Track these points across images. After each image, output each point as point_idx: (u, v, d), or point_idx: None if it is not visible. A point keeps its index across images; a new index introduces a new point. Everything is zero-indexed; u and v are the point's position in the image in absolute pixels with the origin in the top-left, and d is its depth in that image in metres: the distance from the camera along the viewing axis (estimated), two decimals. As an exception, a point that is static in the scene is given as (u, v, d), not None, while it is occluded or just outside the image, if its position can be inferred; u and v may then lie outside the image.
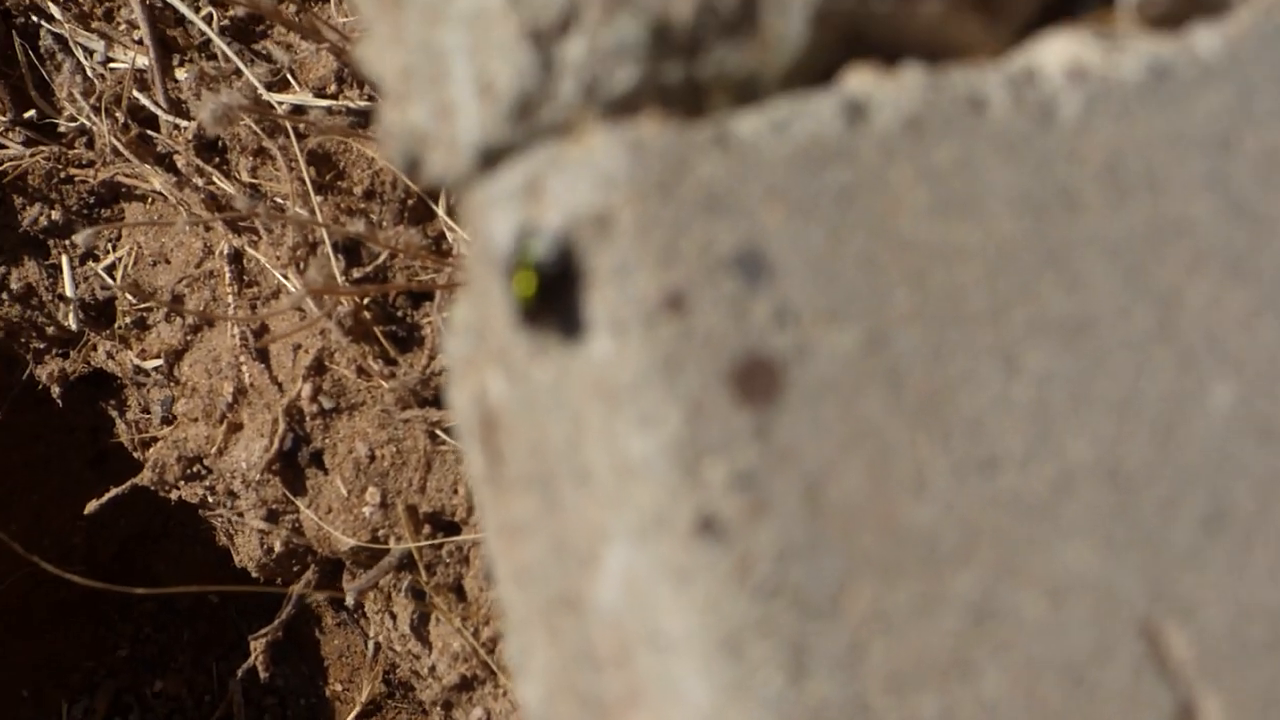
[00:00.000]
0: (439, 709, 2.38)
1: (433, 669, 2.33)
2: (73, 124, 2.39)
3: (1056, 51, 1.18)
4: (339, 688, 2.58)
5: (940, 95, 1.16)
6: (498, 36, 1.16)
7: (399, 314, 2.29)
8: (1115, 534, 1.11)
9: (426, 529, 2.25)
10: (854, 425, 1.11)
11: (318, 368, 2.28)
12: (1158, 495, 1.11)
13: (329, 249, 2.27)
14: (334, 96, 2.32)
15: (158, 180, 2.35)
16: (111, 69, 2.39)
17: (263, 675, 2.40)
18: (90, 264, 2.43)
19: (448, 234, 2.26)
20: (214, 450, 2.33)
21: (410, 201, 2.29)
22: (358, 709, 2.54)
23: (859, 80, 1.17)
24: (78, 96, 2.38)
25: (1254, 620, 1.10)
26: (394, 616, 2.30)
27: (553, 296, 1.13)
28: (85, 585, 2.43)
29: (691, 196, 1.13)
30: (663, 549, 1.10)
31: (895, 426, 1.11)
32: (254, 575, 2.38)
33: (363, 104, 2.30)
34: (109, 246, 2.43)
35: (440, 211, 2.26)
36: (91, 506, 2.35)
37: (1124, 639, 1.10)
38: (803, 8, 1.17)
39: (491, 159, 1.17)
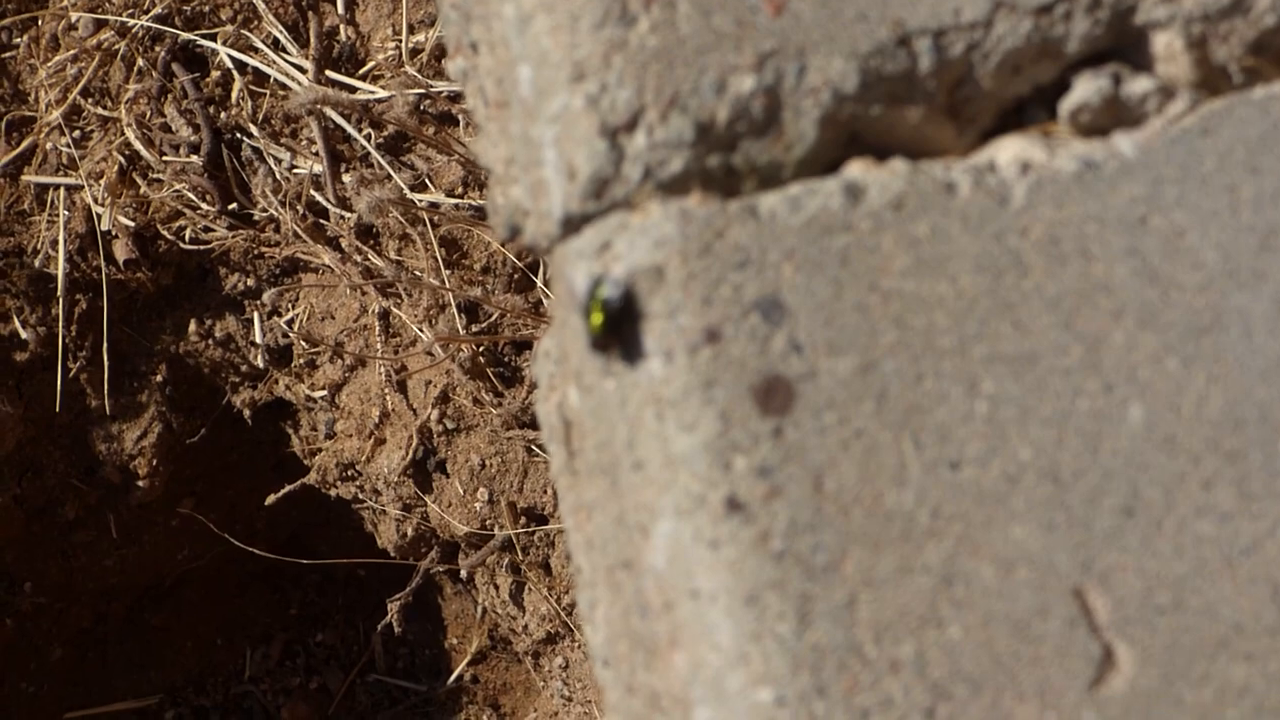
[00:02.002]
0: (529, 658, 2.35)
1: (525, 627, 2.31)
2: (264, 214, 2.37)
3: (1009, 150, 1.14)
4: (455, 641, 2.54)
5: (919, 180, 1.12)
6: (579, 131, 1.13)
7: (505, 359, 2.27)
8: (1053, 518, 1.07)
9: (523, 520, 2.23)
10: (850, 430, 1.07)
11: (443, 398, 2.26)
12: (1086, 488, 1.07)
13: (454, 309, 2.25)
14: (460, 196, 2.30)
15: (327, 256, 2.32)
16: (295, 173, 2.37)
17: (397, 630, 2.37)
18: (275, 319, 2.41)
19: (544, 300, 2.24)
20: (364, 459, 2.31)
21: (516, 275, 2.27)
22: (468, 658, 2.51)
23: (857, 168, 1.14)
24: (269, 194, 2.36)
25: (1160, 587, 1.06)
26: (497, 587, 2.28)
27: (618, 329, 1.11)
28: (265, 559, 2.41)
29: (726, 255, 1.10)
30: (699, 523, 1.07)
31: (882, 432, 1.08)
32: (392, 554, 2.36)
33: (481, 202, 2.28)
34: (289, 306, 2.41)
35: (539, 282, 2.24)
36: (271, 499, 2.33)
37: (1059, 600, 1.05)
38: (814, 114, 1.13)
39: (573, 225, 1.14)
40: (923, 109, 1.15)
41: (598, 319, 1.11)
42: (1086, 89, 1.15)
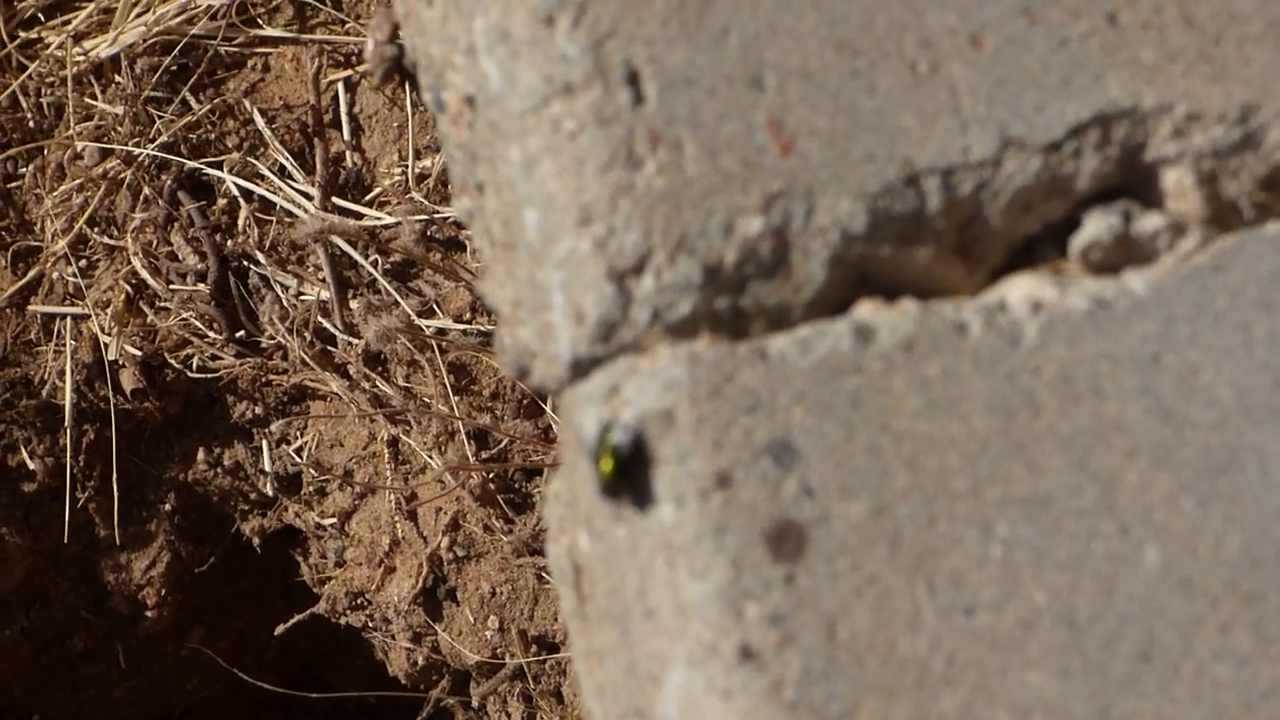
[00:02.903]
0: (541, 789, 2.34)
1: (537, 758, 2.30)
2: (272, 341, 2.38)
3: (1020, 289, 1.15)
4: (469, 770, 2.52)
5: (930, 321, 1.13)
6: (586, 275, 1.13)
7: (516, 485, 2.28)
8: (1069, 664, 1.06)
9: (534, 648, 2.23)
10: (863, 576, 1.07)
11: (454, 525, 2.26)
12: (1102, 633, 1.06)
13: (464, 436, 2.25)
14: (469, 322, 2.31)
15: (335, 384, 2.33)
16: (302, 300, 2.38)
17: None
18: (283, 446, 2.41)
19: (554, 425, 2.24)
20: (374, 587, 2.31)
21: (525, 401, 2.28)
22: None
23: (866, 309, 1.14)
24: (276, 321, 2.36)
25: (1179, 735, 1.05)
26: (509, 715, 2.27)
27: (627, 474, 1.10)
28: (274, 691, 2.40)
29: (736, 398, 1.10)
30: (712, 672, 1.06)
31: (895, 577, 1.07)
32: (403, 683, 2.35)
33: (489, 328, 2.28)
34: (297, 434, 2.41)
35: (548, 409, 2.24)
36: (280, 630, 2.32)
37: (1076, 748, 1.05)
38: (822, 254, 1.14)
39: (581, 369, 1.14)
40: (932, 248, 1.15)
41: (608, 465, 1.11)
42: (1097, 226, 1.15)
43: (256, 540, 2.42)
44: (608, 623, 1.16)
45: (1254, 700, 1.06)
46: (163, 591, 2.40)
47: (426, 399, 2.27)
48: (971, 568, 1.08)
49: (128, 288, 2.44)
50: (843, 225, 1.14)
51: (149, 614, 2.39)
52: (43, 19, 2.61)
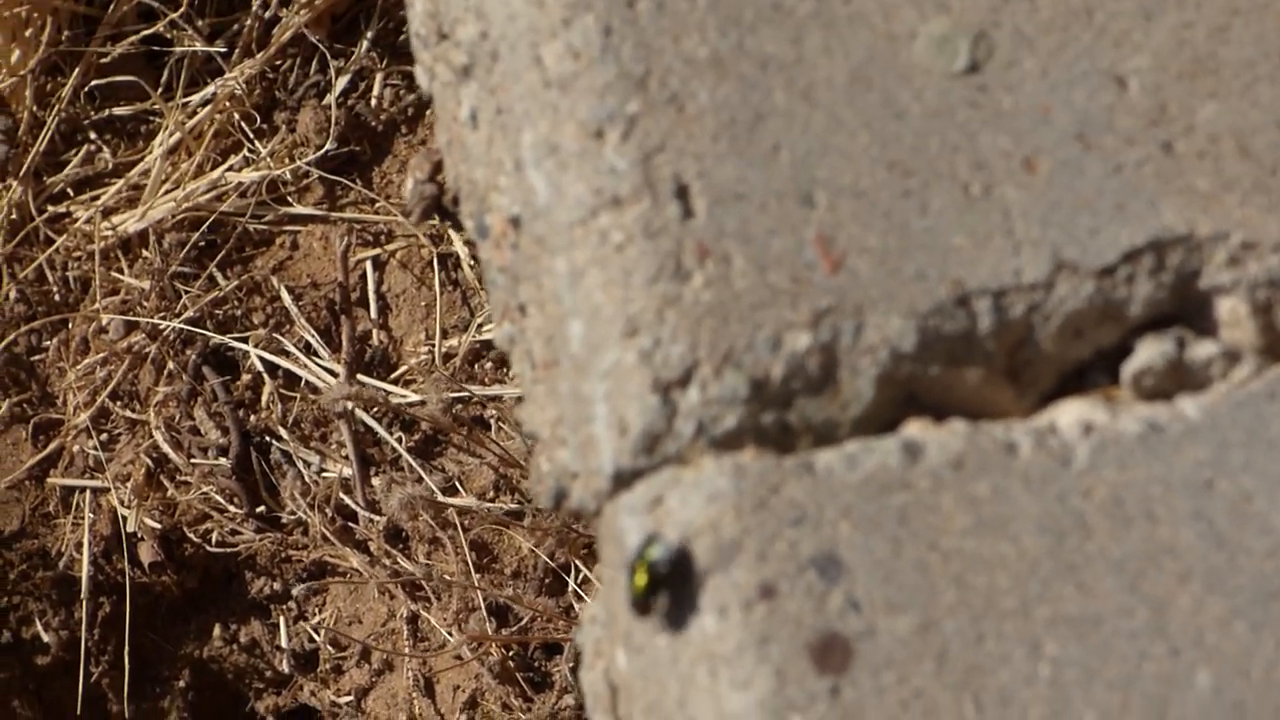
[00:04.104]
0: None
1: None
2: (292, 517, 2.38)
3: (1071, 412, 1.15)
4: None
5: (980, 440, 1.13)
6: (631, 387, 1.14)
7: (535, 664, 2.26)
8: (1120, 788, 1.04)
9: (552, 835, 2.20)
10: (909, 690, 1.06)
11: (471, 703, 2.25)
12: (1154, 758, 1.05)
13: (484, 611, 2.24)
14: (492, 500, 2.31)
15: (355, 560, 2.33)
16: (324, 477, 2.38)
17: None
18: (301, 623, 2.40)
19: (575, 604, 2.23)
20: (391, 767, 2.29)
21: (547, 579, 2.27)
22: None
23: (915, 427, 1.14)
24: (297, 497, 2.37)
25: None
26: None
27: (668, 587, 1.09)
28: None
29: (781, 511, 1.10)
30: (753, 787, 1.04)
31: (942, 693, 1.06)
32: None
33: (513, 506, 2.29)
34: (315, 610, 2.40)
35: (571, 584, 2.24)
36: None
37: None
38: (871, 372, 1.14)
39: (624, 481, 1.14)
40: (982, 370, 1.15)
41: (641, 580, 1.10)
42: (1150, 352, 1.16)
43: (271, 719, 2.41)
44: (645, 742, 1.15)
45: (1310, 830, 1.05)
46: (174, 771, 2.38)
47: (447, 575, 2.26)
48: (1020, 686, 1.06)
49: (148, 461, 2.45)
50: (892, 344, 1.14)
51: (160, 794, 2.37)
52: (71, 194, 2.65)
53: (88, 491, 2.46)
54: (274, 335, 2.49)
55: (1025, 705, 1.06)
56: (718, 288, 1.15)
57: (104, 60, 2.66)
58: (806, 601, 1.08)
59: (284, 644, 2.39)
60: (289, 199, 2.60)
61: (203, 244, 2.57)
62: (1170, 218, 1.17)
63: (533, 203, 1.21)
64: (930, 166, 1.18)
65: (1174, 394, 1.16)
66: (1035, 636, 1.08)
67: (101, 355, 2.52)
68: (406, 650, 2.28)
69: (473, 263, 2.45)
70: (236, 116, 2.62)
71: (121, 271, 2.58)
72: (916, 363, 1.14)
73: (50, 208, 2.64)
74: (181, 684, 2.38)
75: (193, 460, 2.43)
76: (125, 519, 2.42)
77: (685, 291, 1.15)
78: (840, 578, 1.08)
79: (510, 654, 2.23)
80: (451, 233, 2.50)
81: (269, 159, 2.59)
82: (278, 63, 2.63)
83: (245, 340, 2.48)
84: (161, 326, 2.49)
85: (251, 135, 2.60)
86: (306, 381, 2.46)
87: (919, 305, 1.15)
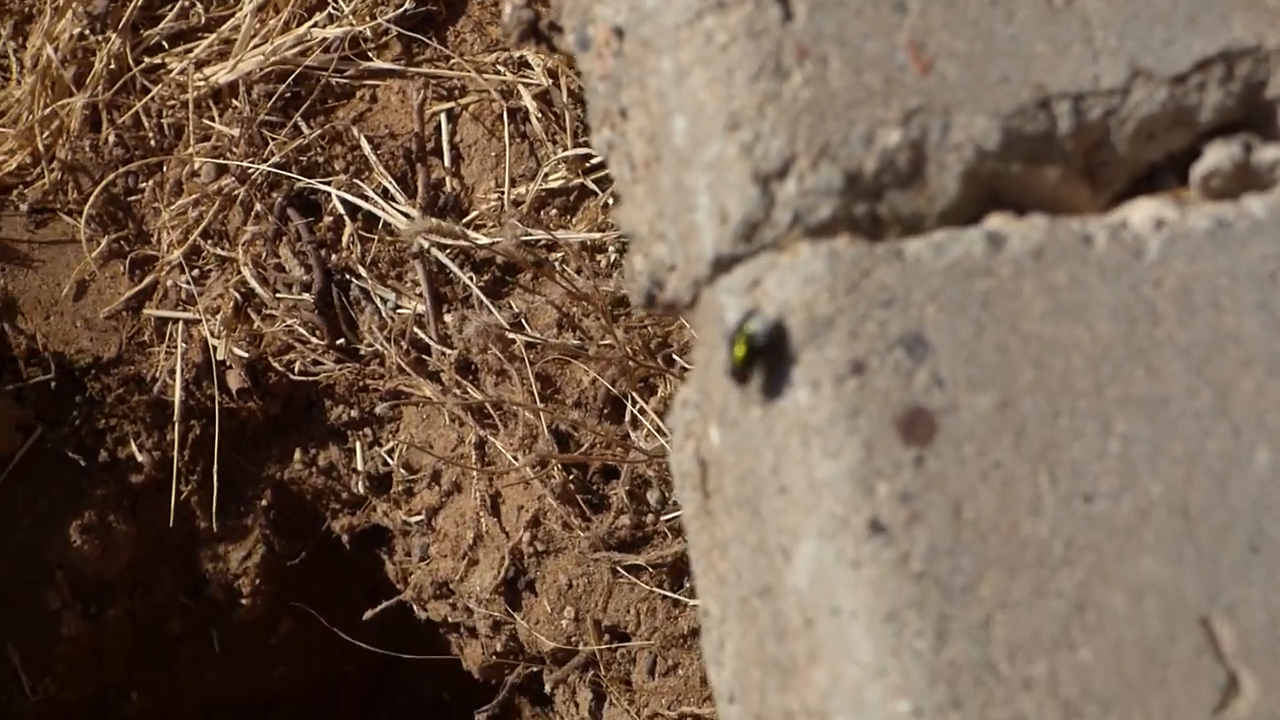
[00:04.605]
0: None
1: (604, 742, 2.32)
2: (370, 349, 2.43)
3: (1143, 210, 1.19)
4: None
5: (1058, 232, 1.17)
6: (732, 177, 1.18)
7: (594, 487, 2.31)
8: (1182, 551, 1.10)
9: (606, 637, 2.25)
10: (989, 462, 1.11)
11: (534, 522, 2.30)
12: (1214, 525, 1.11)
13: (546, 434, 2.30)
14: (555, 335, 2.36)
15: (428, 389, 2.38)
16: (399, 313, 2.44)
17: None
18: (376, 448, 2.46)
19: (631, 432, 2.29)
20: (458, 578, 2.34)
21: (605, 410, 2.32)
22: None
23: (997, 220, 1.19)
24: (374, 330, 2.42)
25: (1290, 611, 1.09)
26: (576, 705, 2.29)
27: (765, 359, 1.15)
28: (357, 682, 2.45)
29: (872, 293, 1.15)
30: (842, 544, 1.10)
31: (1019, 465, 1.11)
32: (476, 676, 2.38)
33: (575, 341, 2.34)
34: (389, 436, 2.46)
35: (630, 411, 2.29)
36: (369, 614, 2.36)
37: (1186, 628, 1.08)
38: (956, 168, 1.19)
39: (723, 265, 1.19)
40: (1060, 169, 1.20)
41: (740, 350, 1.15)
42: (1219, 155, 1.20)
43: (345, 537, 2.47)
44: (735, 509, 1.20)
45: (1359, 595, 1.11)
46: (256, 582, 2.44)
47: (514, 405, 2.32)
48: (1091, 459, 1.12)
49: (237, 295, 2.50)
50: (977, 142, 1.19)
51: (243, 602, 2.44)
52: (166, 46, 2.70)
53: (180, 322, 2.52)
54: (354, 181, 2.54)
55: (1096, 477, 1.12)
56: (815, 86, 1.19)
57: (200, -79, 2.71)
58: (894, 378, 1.13)
59: (359, 467, 2.44)
60: (369, 54, 2.65)
61: (288, 95, 2.62)
62: (1240, 31, 1.21)
63: (640, 7, 1.25)
64: (1017, -23, 1.23)
65: (1240, 194, 1.20)
66: (1106, 415, 1.13)
67: (194, 196, 2.58)
68: (474, 474, 2.33)
69: (540, 116, 2.50)
70: (322, -24, 2.66)
71: (213, 119, 2.63)
72: (999, 160, 1.19)
73: (146, 59, 2.70)
74: (263, 503, 2.45)
75: (278, 295, 2.49)
76: (215, 348, 2.48)
77: (785, 89, 1.19)
78: (926, 356, 1.14)
79: (570, 477, 2.28)
80: (520, 87, 2.54)
81: (351, 16, 2.63)
82: (362, -75, 2.67)
83: (328, 184, 2.53)
84: (250, 170, 2.54)
85: (335, -7, 2.65)
86: (384, 223, 2.51)
87: (1003, 107, 1.19)
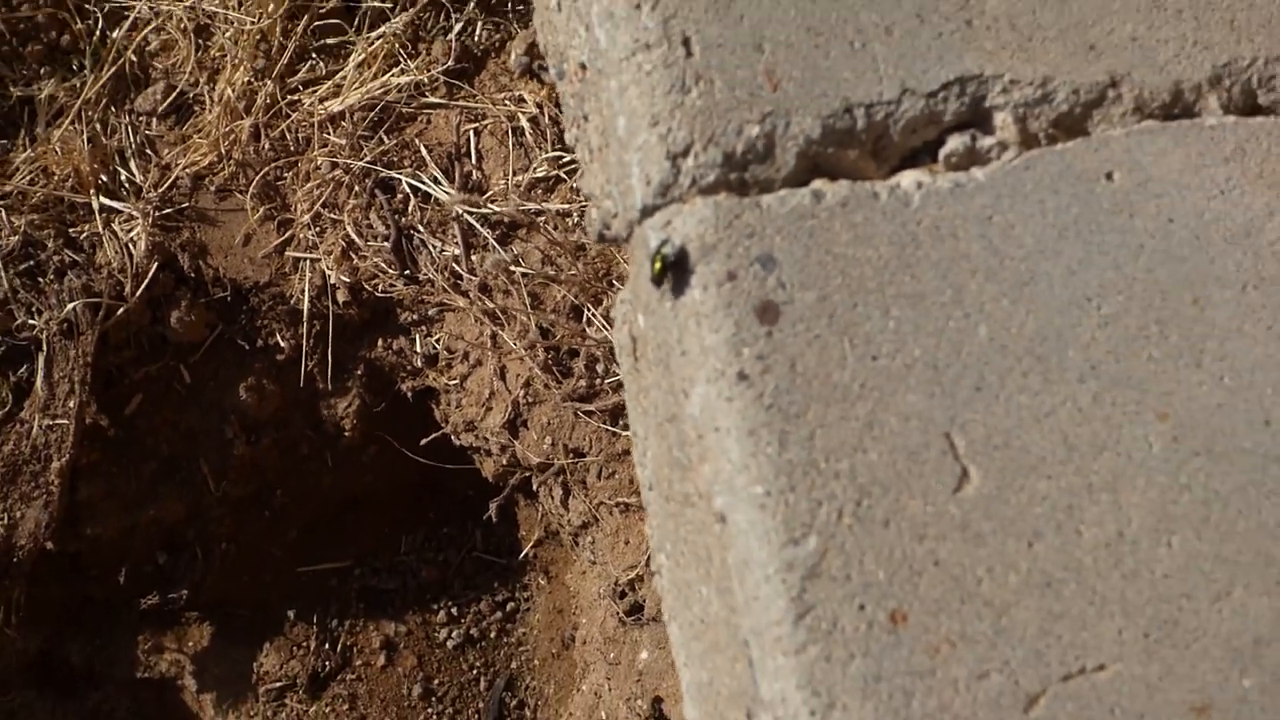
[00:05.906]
0: (570, 539, 2.25)
1: (568, 521, 2.20)
2: (425, 277, 2.28)
3: (909, 177, 1.07)
4: (524, 533, 2.44)
5: (857, 191, 1.05)
6: (653, 156, 1.06)
7: (564, 362, 2.18)
8: (933, 390, 0.98)
9: (571, 455, 2.13)
10: (812, 335, 1.00)
11: (527, 383, 2.17)
12: (953, 373, 0.99)
13: (534, 329, 2.16)
14: (540, 268, 2.22)
15: (461, 302, 2.23)
16: (443, 254, 2.28)
17: (494, 520, 2.26)
18: (428, 338, 2.31)
19: (587, 329, 2.15)
20: (479, 419, 2.21)
21: (571, 314, 2.18)
22: (532, 543, 2.40)
23: (819, 183, 1.06)
24: (428, 265, 2.27)
25: (995, 434, 0.98)
26: (553, 497, 2.17)
27: (673, 271, 1.03)
28: (416, 484, 2.33)
29: (740, 229, 1.03)
30: (721, 387, 0.99)
31: (831, 337, 0.99)
32: (491, 480, 2.25)
33: (551, 271, 2.19)
34: (437, 330, 2.31)
35: (586, 315, 2.15)
36: (423, 441, 2.22)
37: (935, 439, 0.97)
38: (794, 150, 1.06)
39: (647, 212, 1.06)
40: (858, 151, 1.08)
41: (658, 265, 1.03)
42: (956, 143, 1.08)
43: (409, 394, 2.32)
44: (654, 366, 1.08)
45: (1041, 416, 1.00)
46: (355, 421, 2.29)
47: (514, 310, 2.18)
48: (876, 333, 1.01)
49: (343, 243, 2.33)
50: (807, 134, 1.06)
51: (345, 435, 2.29)
52: (301, 88, 2.51)
53: (307, 260, 2.36)
54: (416, 172, 2.36)
55: (879, 344, 1.00)
56: (706, 98, 1.06)
57: (322, 10, 2.52)
58: (754, 282, 1.01)
59: (418, 350, 2.30)
60: (425, 93, 2.47)
61: (376, 119, 2.44)
62: (969, 64, 1.09)
63: (596, 48, 1.12)
64: (831, 30, 1.09)
65: (969, 167, 1.08)
66: (886, 304, 1.02)
67: (316, 182, 2.39)
68: (490, 353, 2.19)
69: (532, 131, 2.34)
70: (397, 45, 2.49)
71: (328, 133, 2.46)
72: (820, 145, 1.07)
73: (289, 96, 2.51)
74: (359, 372, 2.30)
75: (369, 243, 2.33)
76: (329, 276, 2.32)
77: (686, 100, 1.06)
78: (774, 269, 1.02)
79: (549, 356, 2.15)
80: (520, 114, 2.38)
81: (414, 70, 2.45)
82: (421, 15, 2.50)
83: (400, 175, 2.36)
84: (352, 166, 2.37)
85: (405, 56, 2.47)
86: (435, 199, 2.35)
87: (823, 111, 1.07)
